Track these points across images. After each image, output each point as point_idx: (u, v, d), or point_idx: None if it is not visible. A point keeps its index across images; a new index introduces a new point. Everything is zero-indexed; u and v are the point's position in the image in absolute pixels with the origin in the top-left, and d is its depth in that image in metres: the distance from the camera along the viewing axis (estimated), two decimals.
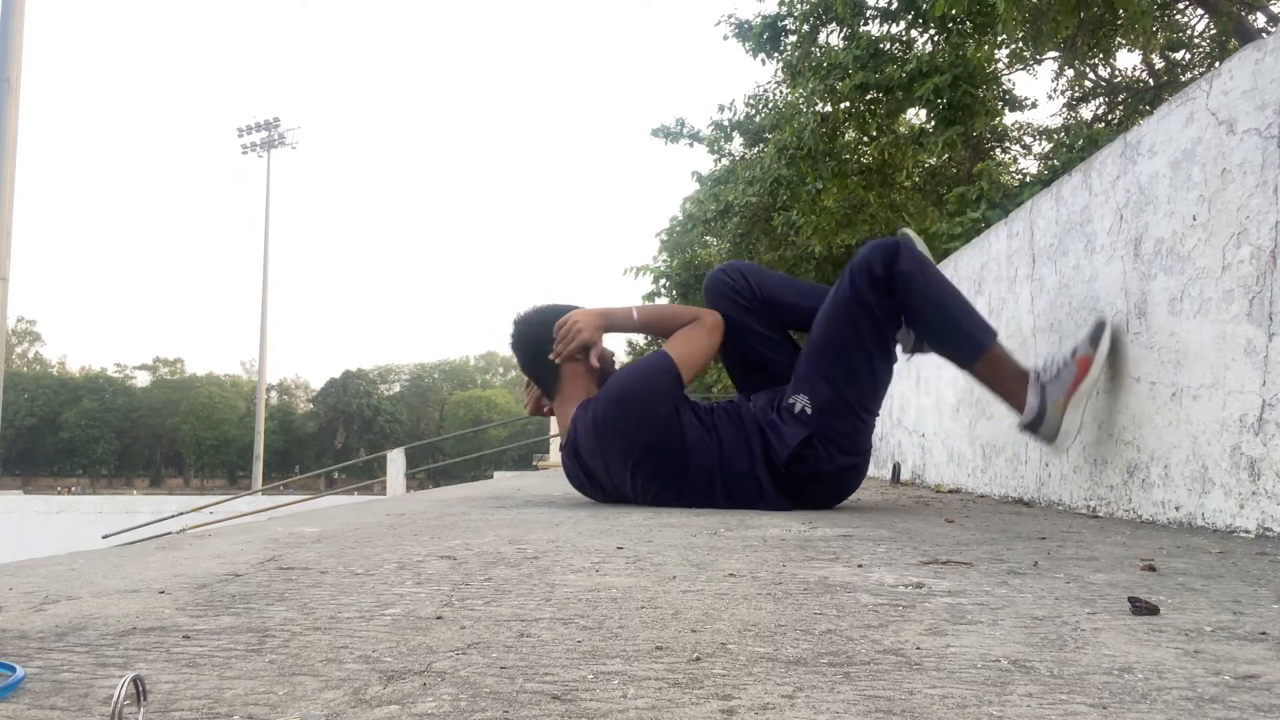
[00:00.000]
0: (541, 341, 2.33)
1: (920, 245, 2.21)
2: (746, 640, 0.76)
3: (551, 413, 2.45)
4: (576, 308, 2.39)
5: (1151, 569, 1.19)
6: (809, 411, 2.14)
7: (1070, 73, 10.50)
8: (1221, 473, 1.67)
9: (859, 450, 2.20)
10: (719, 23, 9.24)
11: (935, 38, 8.25)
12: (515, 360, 2.50)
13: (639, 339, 13.96)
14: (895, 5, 8.16)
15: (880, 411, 2.28)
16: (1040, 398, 2.05)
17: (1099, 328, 2.06)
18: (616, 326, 2.35)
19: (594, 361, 2.29)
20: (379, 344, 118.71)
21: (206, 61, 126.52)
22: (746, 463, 2.18)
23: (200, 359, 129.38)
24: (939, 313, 2.11)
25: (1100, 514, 2.11)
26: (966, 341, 2.12)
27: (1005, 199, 6.41)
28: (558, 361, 2.31)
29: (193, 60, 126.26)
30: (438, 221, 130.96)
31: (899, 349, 2.28)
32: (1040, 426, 2.06)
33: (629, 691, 0.61)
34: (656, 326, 2.36)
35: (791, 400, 2.17)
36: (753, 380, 2.36)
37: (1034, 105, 15.59)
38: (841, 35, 8.51)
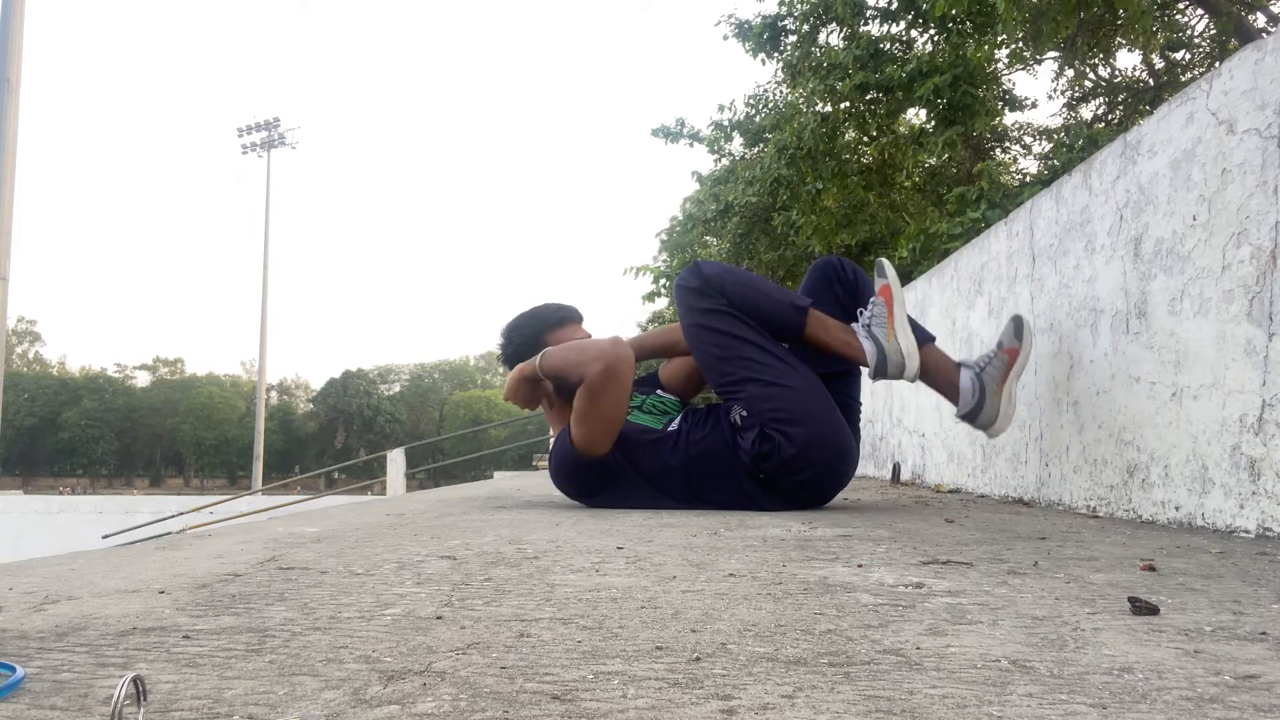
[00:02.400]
0: (521, 358, 2.41)
1: (890, 271, 2.27)
2: (746, 640, 0.76)
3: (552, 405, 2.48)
4: (558, 307, 2.52)
5: (1151, 569, 1.19)
6: (745, 414, 2.22)
7: (1070, 73, 10.49)
8: (1221, 473, 1.67)
9: (809, 421, 2.18)
10: (719, 23, 9.25)
11: (935, 38, 8.25)
12: None
13: (665, 312, 13.98)
14: (895, 5, 8.16)
15: (809, 381, 2.26)
16: (872, 339, 2.21)
17: (877, 264, 2.28)
18: (534, 378, 2.34)
19: (548, 408, 2.44)
20: (379, 344, 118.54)
21: (206, 61, 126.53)
22: (732, 481, 2.23)
23: (200, 359, 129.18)
24: (758, 293, 2.28)
25: (1100, 514, 2.11)
26: (790, 309, 2.26)
27: (1005, 199, 6.40)
28: None
29: (193, 60, 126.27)
30: (438, 221, 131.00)
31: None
32: (887, 366, 2.20)
33: (629, 691, 0.61)
34: (558, 377, 2.29)
35: (732, 418, 2.26)
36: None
37: (1034, 105, 15.60)
38: (841, 35, 8.52)
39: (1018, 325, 2.19)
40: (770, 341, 2.25)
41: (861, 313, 2.27)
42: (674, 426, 2.32)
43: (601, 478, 2.29)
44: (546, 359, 2.27)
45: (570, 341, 2.36)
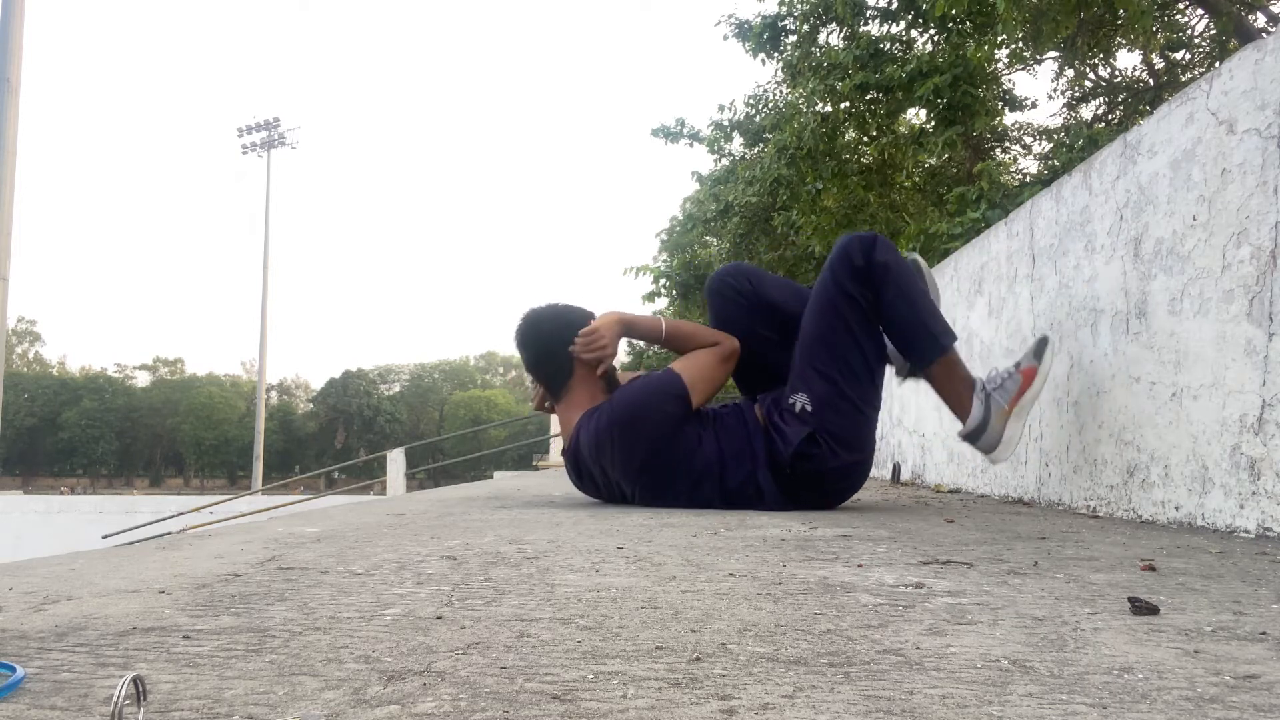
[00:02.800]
0: (551, 344, 2.31)
1: (1048, 358, 2.16)
2: (746, 640, 0.76)
3: (555, 410, 2.45)
4: (590, 313, 2.39)
5: (1151, 569, 1.19)
6: (809, 409, 2.14)
7: (1070, 73, 10.49)
8: (1221, 473, 1.67)
9: (862, 447, 2.19)
10: (719, 23, 9.25)
11: (935, 38, 8.25)
12: (517, 358, 2.50)
13: (665, 312, 13.94)
14: (895, 5, 8.16)
15: (880, 406, 2.27)
16: (985, 406, 2.11)
17: (1043, 342, 2.13)
18: (638, 335, 2.36)
19: (600, 371, 2.31)
20: (379, 344, 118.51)
21: (206, 61, 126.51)
22: (748, 468, 2.18)
23: (200, 359, 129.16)
24: (909, 308, 2.14)
25: (1100, 514, 2.11)
26: (929, 340, 2.15)
27: (1005, 199, 6.40)
28: (576, 356, 2.29)
29: (193, 60, 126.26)
30: (437, 221, 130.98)
31: (894, 372, 2.30)
32: (982, 435, 2.11)
33: (629, 691, 0.61)
34: (680, 344, 2.31)
35: (791, 400, 2.17)
36: (756, 382, 2.35)
37: (1034, 105, 15.59)
38: (841, 35, 8.52)
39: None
40: (880, 364, 2.19)
41: (994, 372, 2.16)
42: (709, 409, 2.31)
43: (676, 426, 2.19)
44: (673, 323, 2.35)
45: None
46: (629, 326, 2.33)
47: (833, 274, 2.16)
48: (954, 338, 2.18)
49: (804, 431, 2.12)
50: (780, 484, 2.17)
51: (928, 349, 2.15)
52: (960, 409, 2.16)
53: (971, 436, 2.14)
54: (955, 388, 2.17)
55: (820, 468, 2.14)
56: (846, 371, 2.14)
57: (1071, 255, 2.34)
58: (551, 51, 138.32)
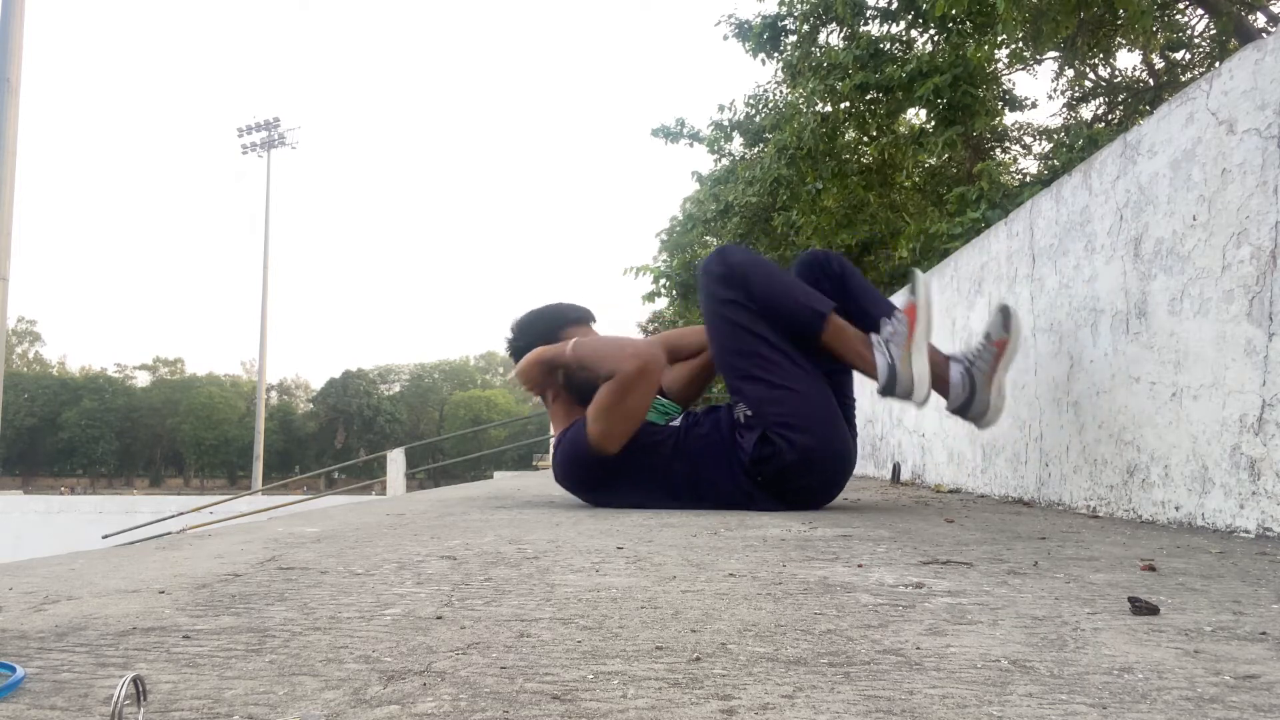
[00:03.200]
0: (528, 352, 2.39)
1: (922, 290, 2.18)
2: (746, 640, 0.76)
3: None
4: (572, 307, 2.48)
5: (1151, 569, 1.19)
6: (750, 413, 2.21)
7: (1070, 73, 10.50)
8: (1221, 473, 1.67)
9: (810, 424, 2.17)
10: (719, 23, 9.26)
11: (935, 38, 8.25)
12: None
13: (665, 312, 14.02)
14: (895, 5, 8.17)
15: (817, 384, 2.24)
16: (887, 356, 2.16)
17: (913, 277, 2.21)
18: (558, 365, 2.35)
19: (549, 403, 2.42)
20: (379, 344, 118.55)
21: (206, 61, 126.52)
22: (729, 479, 2.23)
23: (200, 359, 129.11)
24: (778, 292, 2.21)
25: (1100, 514, 2.11)
26: (810, 313, 2.20)
27: (1005, 199, 6.41)
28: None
29: (193, 60, 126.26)
30: (438, 221, 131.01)
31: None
32: (896, 384, 2.15)
33: (629, 691, 0.61)
34: (588, 368, 2.29)
35: (736, 414, 2.25)
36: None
37: (1034, 105, 15.59)
38: (841, 35, 8.53)
39: (1005, 316, 2.17)
40: (785, 340, 2.21)
41: (884, 324, 2.22)
42: (676, 423, 2.34)
43: (607, 474, 2.29)
44: (580, 346, 2.29)
45: (608, 335, 2.41)
46: (549, 361, 2.33)
47: (707, 292, 2.27)
48: (831, 305, 2.22)
49: (754, 437, 2.18)
50: (760, 488, 2.21)
51: (811, 320, 2.20)
52: (868, 368, 2.20)
53: (887, 389, 2.17)
54: (854, 348, 2.21)
55: (781, 465, 2.16)
56: (762, 362, 2.20)
57: (1071, 255, 2.34)
58: (552, 52, 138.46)
